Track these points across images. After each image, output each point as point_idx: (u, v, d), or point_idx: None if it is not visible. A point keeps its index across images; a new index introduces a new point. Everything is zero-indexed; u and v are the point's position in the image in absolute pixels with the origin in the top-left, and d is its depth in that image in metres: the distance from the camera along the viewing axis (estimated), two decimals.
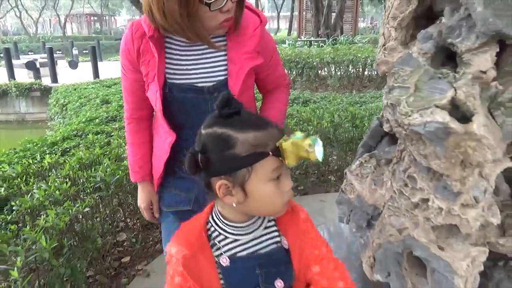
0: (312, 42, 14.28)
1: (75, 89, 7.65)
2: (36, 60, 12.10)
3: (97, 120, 4.48)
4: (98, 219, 2.16)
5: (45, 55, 11.63)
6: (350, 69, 8.37)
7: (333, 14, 16.61)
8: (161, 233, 1.33)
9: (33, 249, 1.52)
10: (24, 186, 2.18)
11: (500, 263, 1.16)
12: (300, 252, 0.83)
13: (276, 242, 0.82)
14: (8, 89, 9.96)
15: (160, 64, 1.06)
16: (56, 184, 2.03)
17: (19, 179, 2.29)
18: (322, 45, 12.55)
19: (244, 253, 0.80)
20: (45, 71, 11.06)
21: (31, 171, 2.45)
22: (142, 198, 1.27)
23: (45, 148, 3.33)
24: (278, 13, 39.71)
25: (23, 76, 11.16)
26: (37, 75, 11.04)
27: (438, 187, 1.06)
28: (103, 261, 2.12)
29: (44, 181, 2.23)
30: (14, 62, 11.81)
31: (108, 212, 2.30)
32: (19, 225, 1.84)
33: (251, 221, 0.81)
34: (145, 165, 1.23)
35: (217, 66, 1.09)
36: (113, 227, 2.32)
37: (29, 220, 1.85)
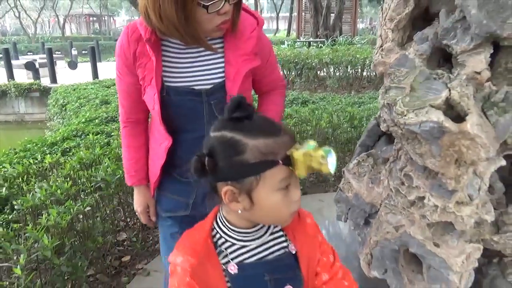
0: (311, 42, 14.29)
1: (74, 90, 7.66)
2: (35, 60, 12.09)
3: (96, 120, 4.49)
4: (98, 218, 2.18)
5: (44, 56, 11.62)
6: (349, 70, 8.39)
7: (332, 15, 16.64)
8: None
9: (35, 247, 1.54)
10: (25, 186, 2.20)
11: (494, 260, 1.18)
12: (308, 258, 0.82)
13: (283, 248, 0.80)
14: (7, 89, 9.96)
15: (158, 67, 1.05)
16: (57, 183, 2.05)
17: (20, 179, 2.31)
18: (321, 46, 12.55)
19: (252, 259, 0.78)
20: (44, 72, 11.05)
21: (32, 171, 2.47)
22: (139, 202, 1.25)
23: (45, 148, 3.35)
24: (277, 14, 39.79)
25: (22, 77, 11.14)
26: (36, 75, 11.03)
27: (434, 185, 1.09)
28: (103, 260, 2.13)
29: (45, 180, 2.25)
30: (13, 62, 11.79)
31: (108, 212, 2.32)
32: (20, 224, 1.86)
33: (257, 227, 0.79)
34: (141, 169, 1.22)
35: (214, 69, 1.08)
36: (113, 226, 2.34)
37: (29, 219, 1.87)
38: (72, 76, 11.53)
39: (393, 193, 1.22)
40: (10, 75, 10.68)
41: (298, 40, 16.52)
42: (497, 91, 1.01)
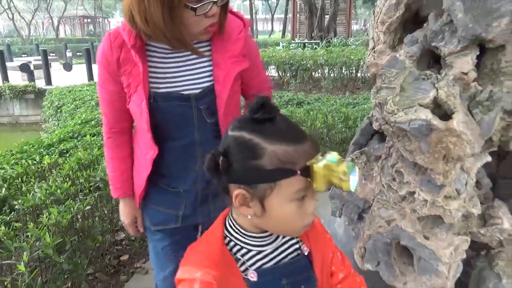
0: (306, 44, 14.38)
1: (69, 92, 7.66)
2: (30, 62, 12.05)
3: (92, 122, 4.51)
4: (97, 218, 2.21)
5: (39, 58, 11.59)
6: (343, 71, 8.47)
7: (327, 17, 16.74)
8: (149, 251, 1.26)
9: (36, 245, 1.56)
10: (24, 186, 2.23)
11: (482, 252, 1.23)
12: (322, 256, 0.81)
13: (296, 249, 0.79)
14: (1, 91, 9.92)
15: (144, 74, 1.00)
16: (56, 183, 2.08)
17: (19, 179, 2.33)
18: (315, 47, 12.63)
19: (269, 264, 0.75)
20: (39, 73, 11.03)
21: (31, 171, 2.49)
22: (125, 214, 1.21)
23: (42, 149, 3.37)
24: (272, 16, 39.93)
25: (17, 79, 11.11)
26: (31, 77, 10.99)
27: (423, 180, 1.14)
28: (102, 259, 2.16)
29: (44, 181, 2.28)
30: (8, 64, 11.75)
31: (106, 212, 2.35)
32: (21, 224, 1.89)
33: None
34: (127, 181, 1.17)
35: (202, 73, 1.05)
36: (112, 226, 2.36)
37: (29, 219, 1.89)
38: (67, 78, 11.51)
39: (385, 189, 1.27)
40: (5, 77, 10.64)
41: (293, 41, 16.59)
42: (482, 90, 1.06)
